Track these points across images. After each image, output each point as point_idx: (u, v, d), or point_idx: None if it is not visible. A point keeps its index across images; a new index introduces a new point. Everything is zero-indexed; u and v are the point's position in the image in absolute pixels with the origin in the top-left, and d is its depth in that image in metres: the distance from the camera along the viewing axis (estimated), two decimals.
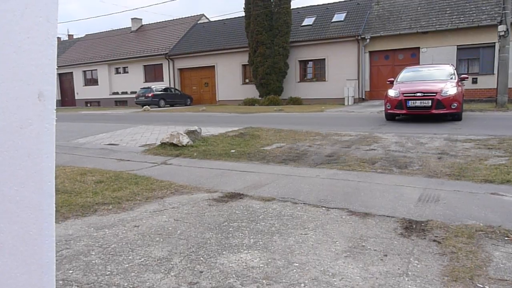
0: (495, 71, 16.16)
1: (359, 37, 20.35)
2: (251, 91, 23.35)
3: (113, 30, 35.62)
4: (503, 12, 13.51)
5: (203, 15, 31.40)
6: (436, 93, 9.30)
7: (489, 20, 17.69)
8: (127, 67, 30.42)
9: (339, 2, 24.29)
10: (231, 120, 12.29)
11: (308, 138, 7.32)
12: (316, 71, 22.71)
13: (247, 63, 23.39)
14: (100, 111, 23.27)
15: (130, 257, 2.34)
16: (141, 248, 2.47)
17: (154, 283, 2.01)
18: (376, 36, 20.15)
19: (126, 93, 30.17)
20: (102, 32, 36.12)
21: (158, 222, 2.95)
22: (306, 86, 22.62)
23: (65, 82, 34.84)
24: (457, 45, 18.53)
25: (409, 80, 10.77)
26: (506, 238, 2.43)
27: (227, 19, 28.49)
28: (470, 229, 2.59)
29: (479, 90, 18.10)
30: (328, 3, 24.60)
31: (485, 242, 2.39)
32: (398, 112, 9.94)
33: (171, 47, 27.99)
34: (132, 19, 33.69)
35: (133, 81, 29.55)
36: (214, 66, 26.14)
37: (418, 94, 9.46)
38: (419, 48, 19.43)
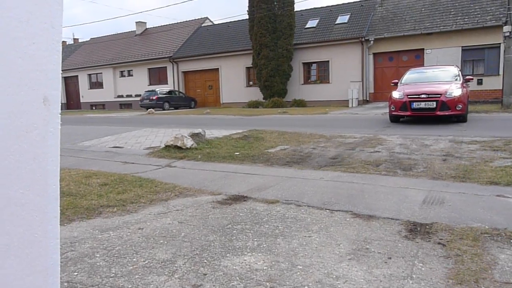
0: (501, 72, 16.09)
1: (363, 39, 20.34)
2: (255, 94, 23.38)
3: (117, 33, 35.87)
4: (508, 12, 13.46)
5: (207, 18, 31.54)
6: (440, 94, 9.26)
7: (494, 21, 17.61)
8: (131, 70, 30.59)
9: (343, 4, 24.31)
10: (235, 123, 12.30)
11: (312, 140, 7.31)
12: (320, 73, 22.71)
13: (251, 66, 23.45)
14: (105, 114, 23.39)
15: (134, 259, 2.35)
16: (145, 250, 2.48)
17: (158, 285, 2.01)
18: (380, 38, 20.12)
19: (130, 96, 30.33)
20: (107, 35, 36.38)
21: (162, 225, 2.96)
22: (310, 88, 22.62)
23: (70, 85, 35.10)
24: (462, 46, 18.47)
25: (414, 81, 10.74)
26: None
27: (230, 22, 28.58)
28: (475, 231, 2.58)
29: (484, 91, 18.01)
30: (332, 5, 24.62)
31: (490, 244, 2.37)
32: (402, 114, 9.90)
33: (175, 50, 28.11)
34: (136, 22, 33.93)
35: (137, 84, 29.69)
36: (218, 68, 26.21)
37: (423, 96, 9.43)
38: (423, 49, 19.38)
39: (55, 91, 0.70)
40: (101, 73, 32.30)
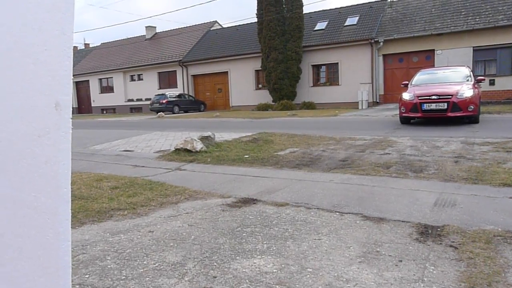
0: None
1: (373, 41, 20.23)
2: (264, 96, 23.40)
3: (128, 38, 36.25)
4: None
5: (216, 21, 31.70)
6: (451, 95, 9.16)
7: (505, 21, 17.38)
8: (141, 74, 30.87)
9: (352, 6, 24.22)
10: (245, 126, 12.33)
11: (322, 142, 7.29)
12: (329, 75, 22.64)
13: (260, 69, 23.48)
14: (115, 118, 23.63)
15: (144, 262, 2.37)
16: (156, 253, 2.50)
17: None
18: (389, 39, 19.99)
19: (141, 100, 30.60)
20: (117, 40, 36.80)
21: (172, 228, 2.98)
22: (319, 91, 22.56)
23: (81, 90, 35.57)
24: (473, 47, 18.25)
25: (424, 82, 10.64)
26: None
27: (239, 25, 28.70)
28: (488, 234, 2.54)
29: (496, 92, 17.76)
30: (341, 7, 24.55)
31: (503, 247, 2.34)
32: (413, 115, 9.81)
33: (185, 54, 28.30)
34: (146, 27, 34.24)
35: (147, 88, 29.95)
36: (227, 72, 26.31)
37: (434, 97, 9.33)
38: (434, 50, 19.19)
39: (66, 96, 0.71)
40: (111, 77, 32.66)
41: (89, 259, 2.44)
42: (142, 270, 2.25)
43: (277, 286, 2.00)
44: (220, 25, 31.82)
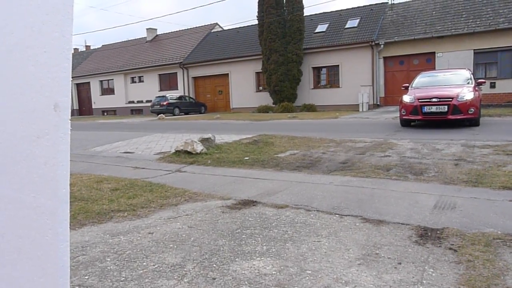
0: None
1: (373, 43, 20.25)
2: (265, 99, 23.42)
3: (129, 40, 36.33)
4: None
5: (216, 24, 31.77)
6: (452, 98, 9.16)
7: (506, 23, 17.39)
8: (142, 76, 30.92)
9: (352, 8, 24.26)
10: (245, 128, 12.34)
11: (322, 145, 7.30)
12: (330, 77, 22.66)
13: (261, 71, 23.51)
14: (116, 119, 23.66)
15: (144, 263, 2.37)
16: (155, 254, 2.50)
17: None
18: (390, 42, 20.02)
19: (141, 101, 30.64)
20: (118, 42, 36.86)
21: (172, 229, 2.98)
22: (320, 93, 22.58)
23: (82, 91, 35.62)
24: (474, 49, 18.26)
25: (425, 85, 10.65)
26: None
27: (240, 27, 28.74)
28: (488, 237, 2.54)
29: (497, 95, 17.75)
30: (341, 10, 24.60)
31: (503, 250, 2.34)
32: (413, 118, 9.82)
33: (186, 56, 28.35)
34: (147, 29, 34.33)
35: (148, 90, 29.99)
36: (228, 74, 26.34)
37: (434, 100, 9.34)
38: (434, 53, 19.21)
39: (65, 97, 0.72)
40: (112, 79, 32.72)
41: (89, 260, 2.44)
42: (141, 272, 2.25)
43: None
44: (221, 27, 31.89)
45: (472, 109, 9.08)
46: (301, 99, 22.40)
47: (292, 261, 2.32)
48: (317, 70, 22.90)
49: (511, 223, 2.80)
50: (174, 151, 6.71)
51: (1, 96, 0.71)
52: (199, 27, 32.04)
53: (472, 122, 9.46)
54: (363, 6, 23.96)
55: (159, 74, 29.93)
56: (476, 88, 9.92)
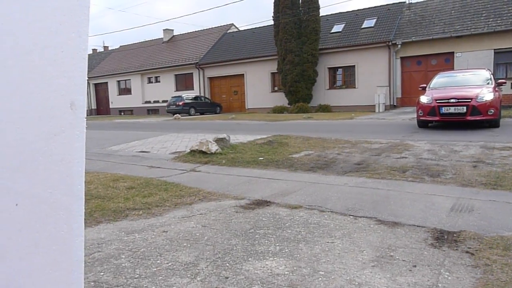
0: None
1: (390, 43, 20.00)
2: (280, 99, 23.39)
3: (145, 41, 36.75)
4: None
5: (232, 24, 31.88)
6: (471, 99, 8.97)
7: None
8: (159, 76, 31.27)
9: (369, 8, 24.01)
10: (260, 128, 12.35)
11: (337, 146, 7.24)
12: (345, 78, 22.48)
13: (276, 71, 23.49)
14: (132, 119, 23.99)
15: (158, 261, 2.40)
16: (169, 252, 2.53)
17: (181, 287, 2.05)
18: (407, 42, 19.73)
19: (157, 102, 30.98)
20: (135, 43, 37.35)
21: (186, 228, 3.01)
22: (335, 93, 22.42)
23: (100, 91, 36.24)
24: (494, 49, 17.84)
25: (443, 86, 10.45)
26: None
27: (256, 28, 28.77)
28: (506, 240, 2.48)
29: None
30: (358, 10, 24.37)
31: None
32: (430, 119, 9.65)
33: (201, 56, 28.55)
34: (164, 30, 34.67)
35: (164, 90, 30.30)
36: (243, 74, 26.41)
37: (452, 100, 9.16)
38: (453, 52, 18.85)
39: (81, 96, 0.74)
40: (129, 79, 33.19)
41: (104, 257, 2.49)
42: (155, 269, 2.28)
43: None
44: (237, 27, 31.99)
45: (492, 110, 8.88)
46: (317, 99, 22.28)
47: (305, 262, 2.31)
48: (332, 70, 22.75)
49: None
50: (189, 150, 6.77)
51: (20, 95, 0.74)
52: (215, 27, 32.21)
53: (492, 124, 9.25)
54: (380, 6, 23.68)
55: (175, 75, 30.21)
56: (496, 89, 9.70)
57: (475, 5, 19.66)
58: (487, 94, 9.02)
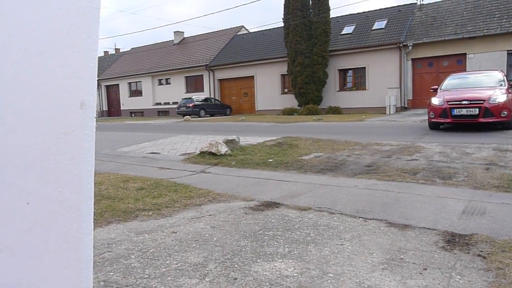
0: None
1: (401, 45, 19.84)
2: (290, 101, 23.35)
3: (156, 43, 37.07)
4: None
5: (242, 26, 31.96)
6: (483, 100, 8.85)
7: None
8: (169, 78, 31.49)
9: (380, 9, 23.87)
10: (270, 130, 12.34)
11: (347, 147, 7.20)
12: (356, 79, 22.36)
13: (286, 73, 23.47)
14: (143, 121, 24.18)
15: (167, 261, 2.41)
16: (178, 253, 2.54)
17: None
18: (419, 43, 19.55)
19: (168, 103, 31.20)
20: (146, 45, 37.70)
21: (195, 229, 3.02)
22: (345, 95, 22.30)
23: (111, 93, 36.63)
24: (507, 50, 17.58)
25: (454, 87, 10.32)
26: None
27: (266, 29, 28.80)
28: None
29: None
30: (368, 11, 24.24)
31: None
32: (442, 121, 9.53)
33: (212, 58, 28.67)
34: (174, 32, 34.92)
35: (175, 92, 30.51)
36: (253, 76, 26.44)
37: (464, 102, 9.04)
38: (465, 54, 18.62)
39: (91, 96, 0.75)
40: (140, 81, 33.49)
41: (114, 257, 2.51)
42: (164, 270, 2.29)
43: None
44: (247, 29, 32.06)
45: (505, 112, 8.74)
46: (327, 101, 22.19)
47: (314, 264, 2.30)
48: (343, 72, 22.64)
49: None
50: (198, 152, 6.80)
51: (31, 95, 0.75)
52: (225, 29, 32.34)
53: (505, 126, 9.10)
54: (391, 7, 23.53)
55: (186, 77, 30.39)
56: (510, 90, 9.53)
57: (487, 6, 19.40)
58: (500, 96, 8.88)
